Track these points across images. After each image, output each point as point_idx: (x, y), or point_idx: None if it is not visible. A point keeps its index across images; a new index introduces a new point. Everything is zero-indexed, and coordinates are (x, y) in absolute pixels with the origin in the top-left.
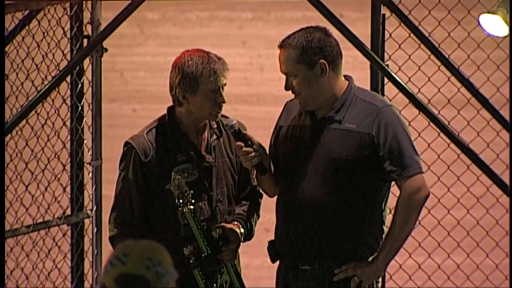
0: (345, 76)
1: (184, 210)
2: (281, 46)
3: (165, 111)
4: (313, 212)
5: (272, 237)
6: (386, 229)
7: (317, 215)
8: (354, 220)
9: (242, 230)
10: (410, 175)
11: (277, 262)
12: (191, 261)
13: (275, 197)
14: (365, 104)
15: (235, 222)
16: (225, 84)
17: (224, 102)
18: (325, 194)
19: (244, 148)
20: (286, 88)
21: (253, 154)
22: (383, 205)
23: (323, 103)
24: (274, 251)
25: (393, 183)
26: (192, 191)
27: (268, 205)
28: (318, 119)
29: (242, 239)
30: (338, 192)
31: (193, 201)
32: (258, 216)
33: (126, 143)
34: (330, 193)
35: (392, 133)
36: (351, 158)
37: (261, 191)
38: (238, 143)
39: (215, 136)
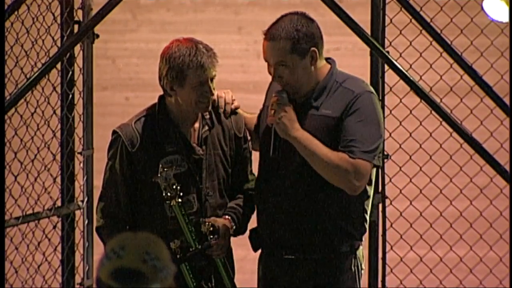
0: (327, 59)
1: (172, 203)
2: (269, 38)
3: None
4: (290, 200)
5: None
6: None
7: (294, 203)
8: (333, 208)
9: (233, 225)
10: (362, 158)
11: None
12: (178, 256)
13: None
14: (344, 90)
15: (226, 217)
16: (214, 76)
17: (212, 95)
18: (302, 182)
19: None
20: (274, 80)
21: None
22: (364, 194)
23: (307, 89)
24: (256, 239)
25: (387, 179)
26: (180, 184)
27: None
28: (297, 104)
29: (233, 234)
30: (315, 180)
31: (181, 194)
32: (252, 210)
33: (114, 132)
34: (307, 181)
35: (360, 117)
36: (328, 145)
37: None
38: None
39: (206, 127)
